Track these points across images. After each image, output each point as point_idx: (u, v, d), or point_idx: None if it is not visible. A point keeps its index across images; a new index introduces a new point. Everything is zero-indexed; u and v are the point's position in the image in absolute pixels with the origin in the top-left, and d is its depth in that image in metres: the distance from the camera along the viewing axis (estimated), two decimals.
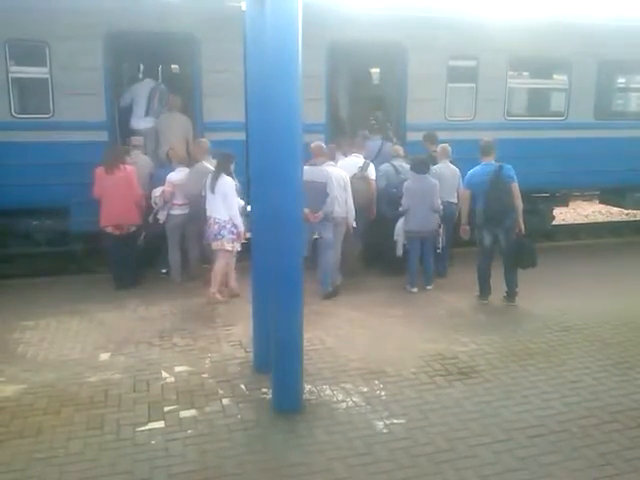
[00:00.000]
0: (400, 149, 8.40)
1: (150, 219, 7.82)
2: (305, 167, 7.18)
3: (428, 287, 7.77)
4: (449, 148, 8.06)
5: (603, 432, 4.45)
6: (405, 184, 7.65)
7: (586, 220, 13.59)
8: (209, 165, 7.42)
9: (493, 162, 7.21)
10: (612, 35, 9.44)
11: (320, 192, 7.17)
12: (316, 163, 7.32)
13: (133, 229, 7.69)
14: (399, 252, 7.79)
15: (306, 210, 7.12)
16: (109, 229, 7.52)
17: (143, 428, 4.46)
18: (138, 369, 5.42)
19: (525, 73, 10.06)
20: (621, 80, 10.85)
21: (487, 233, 7.18)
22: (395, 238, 7.76)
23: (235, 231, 7.05)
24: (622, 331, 6.41)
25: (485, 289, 7.34)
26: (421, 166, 7.62)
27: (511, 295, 7.28)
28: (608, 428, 4.50)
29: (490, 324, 6.59)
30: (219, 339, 6.11)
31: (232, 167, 7.08)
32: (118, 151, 7.63)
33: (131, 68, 9.87)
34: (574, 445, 4.28)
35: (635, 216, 13.18)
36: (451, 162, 8.10)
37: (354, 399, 4.91)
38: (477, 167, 7.26)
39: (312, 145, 7.37)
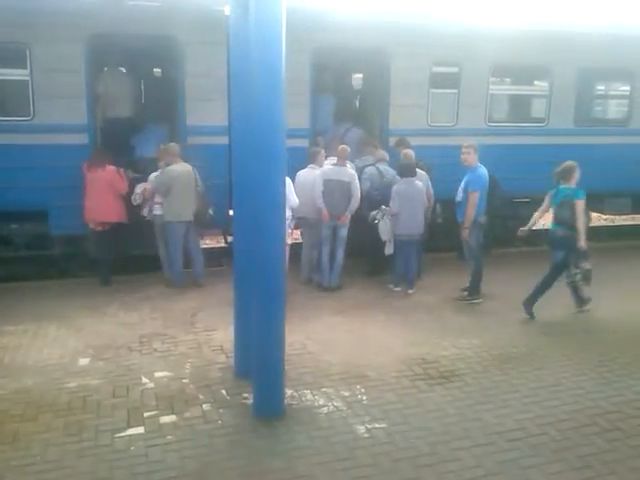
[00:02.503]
0: (385, 153, 8.44)
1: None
2: (329, 167, 7.80)
3: (410, 291, 7.82)
4: (412, 153, 8.10)
5: (582, 435, 4.49)
6: (394, 188, 7.73)
7: None
8: (180, 167, 7.59)
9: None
10: (591, 43, 9.56)
11: (345, 191, 7.68)
12: (340, 164, 7.82)
13: (114, 224, 7.80)
14: (389, 251, 7.90)
15: (325, 210, 7.65)
16: (91, 225, 7.69)
17: (122, 434, 4.42)
18: (118, 374, 5.37)
19: (507, 80, 10.16)
20: (600, 87, 11.00)
21: (482, 232, 7.45)
22: (383, 238, 7.85)
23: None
24: (600, 335, 6.49)
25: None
26: (409, 170, 7.77)
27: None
28: (587, 431, 4.55)
29: (471, 328, 6.62)
30: (200, 344, 6.07)
31: None
32: (102, 152, 7.76)
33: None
34: (553, 448, 4.32)
35: (613, 221, 13.36)
36: (419, 167, 8.13)
37: (335, 403, 4.90)
38: (481, 169, 7.37)
39: (340, 148, 7.92)
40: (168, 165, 7.63)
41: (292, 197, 7.18)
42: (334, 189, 7.67)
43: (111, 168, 7.68)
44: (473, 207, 7.32)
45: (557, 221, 6.89)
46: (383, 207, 7.80)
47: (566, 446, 4.34)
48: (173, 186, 7.54)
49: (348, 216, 7.83)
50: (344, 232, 7.88)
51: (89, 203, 7.60)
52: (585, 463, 4.15)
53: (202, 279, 7.91)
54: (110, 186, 7.64)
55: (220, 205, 7.92)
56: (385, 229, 7.82)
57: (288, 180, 6.88)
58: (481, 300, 7.48)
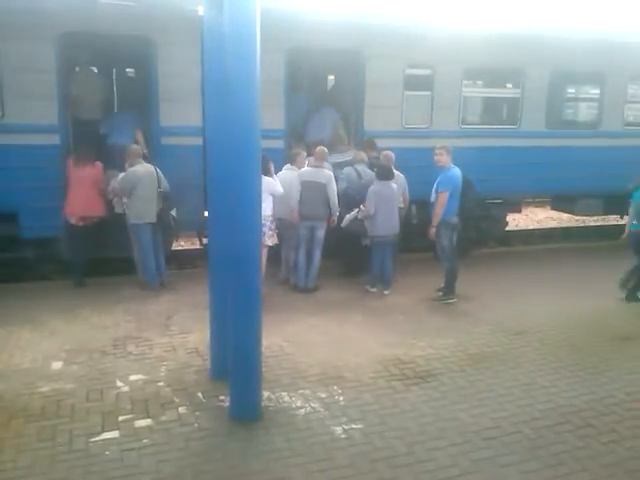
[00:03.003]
0: (364, 155, 8.47)
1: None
2: (306, 168, 7.85)
3: (386, 292, 7.86)
4: (392, 154, 8.17)
5: (555, 433, 4.56)
6: (370, 189, 7.75)
7: (538, 226, 13.95)
8: (143, 168, 7.58)
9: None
10: (563, 46, 9.73)
11: (321, 192, 7.71)
12: (317, 165, 7.85)
13: (96, 220, 7.83)
14: (365, 242, 8.01)
15: (295, 212, 7.73)
16: (73, 220, 7.66)
17: (97, 438, 4.35)
18: (91, 378, 5.28)
19: (479, 82, 10.28)
20: (571, 90, 11.20)
21: (456, 233, 7.51)
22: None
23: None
24: (573, 334, 6.59)
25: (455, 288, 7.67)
26: (387, 173, 7.81)
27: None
28: (560, 429, 4.62)
29: (447, 328, 6.68)
30: (175, 347, 6.01)
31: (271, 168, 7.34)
32: (90, 148, 7.84)
33: None
34: (528, 446, 4.37)
35: (584, 222, 13.62)
36: (395, 168, 8.21)
37: (313, 405, 4.90)
38: (453, 170, 7.44)
39: (317, 149, 7.98)
40: (132, 166, 7.58)
41: (278, 188, 7.37)
42: (310, 190, 7.69)
43: (99, 164, 7.77)
44: (441, 207, 7.40)
45: (638, 220, 7.55)
46: (362, 207, 7.82)
47: (540, 444, 4.40)
48: (136, 187, 7.50)
49: (335, 218, 7.91)
50: (321, 233, 7.90)
51: (72, 198, 7.60)
52: (559, 460, 4.21)
53: (165, 279, 7.88)
54: (95, 182, 7.72)
55: (195, 206, 7.87)
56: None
57: (267, 179, 6.97)
58: (455, 300, 7.55)
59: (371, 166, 8.20)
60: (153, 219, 7.62)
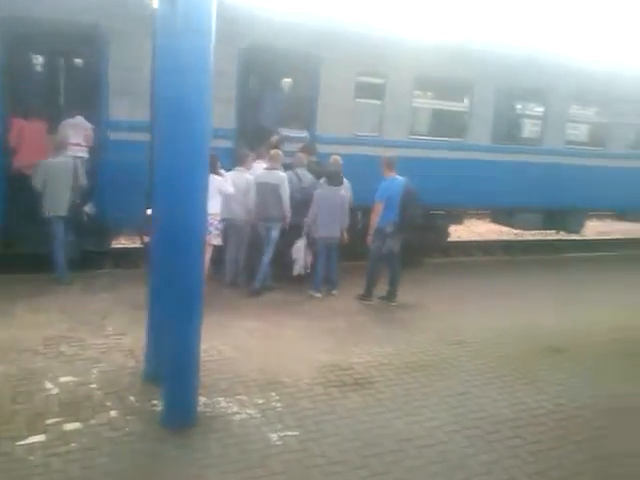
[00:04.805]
0: (304, 157, 8.48)
1: None
2: (261, 170, 7.87)
3: (334, 292, 8.02)
4: (340, 160, 8.28)
5: (486, 442, 4.66)
6: (317, 192, 7.84)
7: (479, 238, 14.28)
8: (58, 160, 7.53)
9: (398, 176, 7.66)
10: (509, 64, 10.01)
11: (273, 193, 7.72)
12: (272, 167, 7.88)
13: None
14: (296, 271, 8.01)
15: (254, 214, 7.84)
16: (27, 170, 7.61)
17: (23, 442, 4.18)
18: (19, 379, 5.08)
19: (430, 94, 10.46)
20: (517, 106, 11.54)
21: (392, 240, 7.69)
22: (294, 257, 7.94)
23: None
24: (508, 345, 6.76)
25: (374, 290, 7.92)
26: (337, 179, 7.94)
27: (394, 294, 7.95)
28: (490, 438, 4.72)
29: (386, 336, 6.75)
30: (110, 348, 5.85)
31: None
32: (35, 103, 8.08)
33: None
34: (459, 455, 4.46)
35: (522, 235, 14.05)
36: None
37: (249, 411, 4.85)
38: (388, 180, 7.63)
39: (272, 152, 8.00)
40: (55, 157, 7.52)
41: (227, 187, 7.49)
42: (264, 192, 7.73)
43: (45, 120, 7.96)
44: (375, 215, 7.66)
45: None
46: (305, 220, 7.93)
47: (471, 453, 4.50)
48: (49, 179, 7.39)
49: (287, 220, 7.92)
50: (276, 234, 7.89)
51: (26, 150, 7.67)
52: (487, 469, 4.31)
53: (66, 279, 7.66)
54: (44, 135, 7.89)
55: (137, 203, 7.67)
56: (299, 247, 7.95)
57: (216, 178, 6.95)
58: (372, 303, 7.82)
59: (310, 170, 8.25)
60: (64, 213, 7.50)
